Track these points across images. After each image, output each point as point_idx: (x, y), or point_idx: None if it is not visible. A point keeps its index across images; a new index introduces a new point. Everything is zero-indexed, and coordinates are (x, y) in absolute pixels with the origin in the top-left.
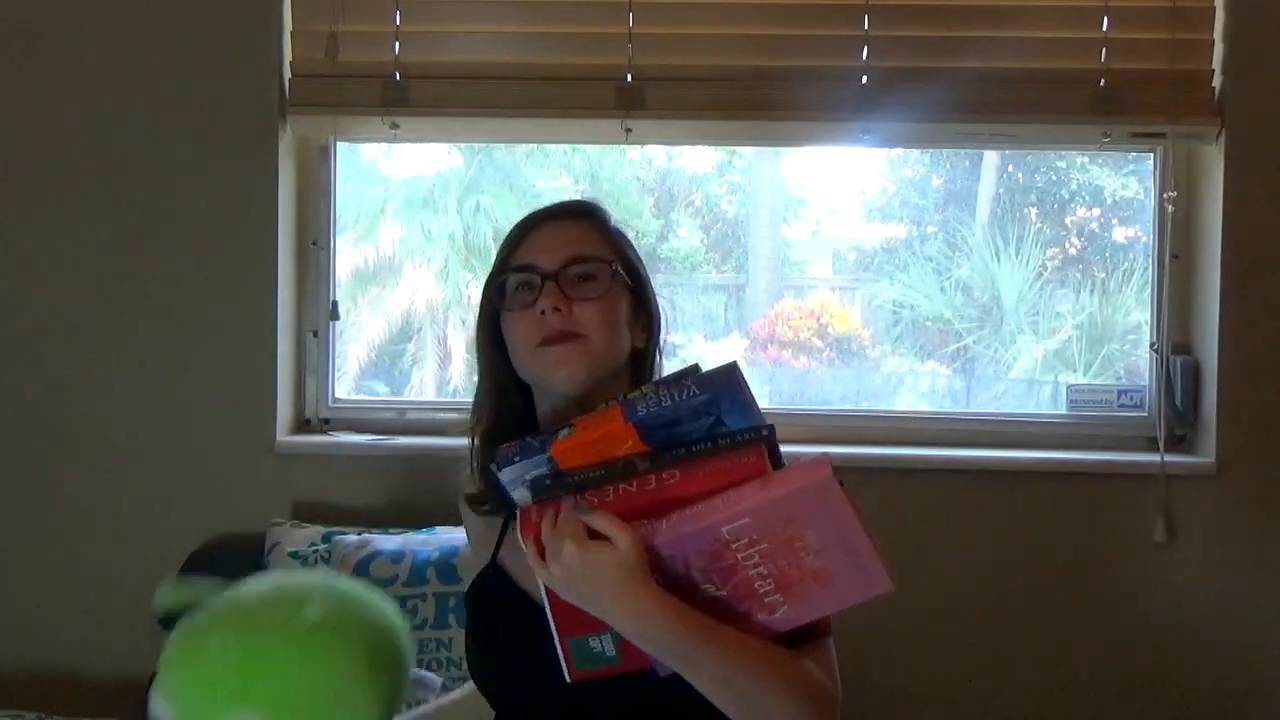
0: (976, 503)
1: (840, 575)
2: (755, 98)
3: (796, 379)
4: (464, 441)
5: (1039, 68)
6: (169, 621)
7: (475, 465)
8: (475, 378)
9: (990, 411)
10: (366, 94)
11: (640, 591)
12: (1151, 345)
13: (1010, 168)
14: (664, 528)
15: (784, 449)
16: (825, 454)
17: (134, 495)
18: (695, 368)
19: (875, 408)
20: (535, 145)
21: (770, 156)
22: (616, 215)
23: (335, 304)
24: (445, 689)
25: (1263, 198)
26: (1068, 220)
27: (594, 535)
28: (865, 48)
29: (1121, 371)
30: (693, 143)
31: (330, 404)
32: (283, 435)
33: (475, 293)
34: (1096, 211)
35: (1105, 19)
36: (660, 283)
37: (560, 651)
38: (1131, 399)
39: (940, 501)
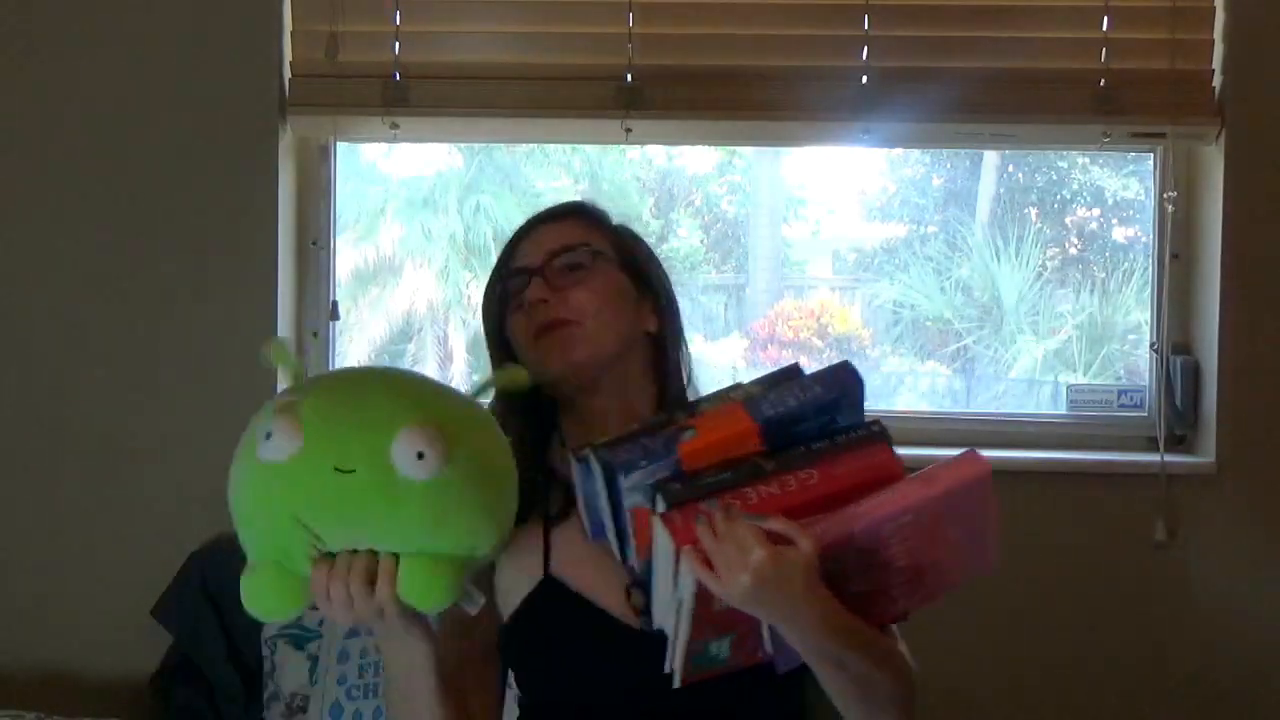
0: None
1: (957, 562)
2: (755, 98)
3: None
4: None
5: (1039, 68)
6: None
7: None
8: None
9: (990, 411)
10: (366, 94)
11: (820, 594)
12: (1151, 345)
13: (1010, 168)
14: (831, 528)
15: None
16: (972, 450)
17: (134, 495)
18: (797, 367)
19: (875, 408)
20: (535, 145)
21: (770, 156)
22: (616, 214)
23: (335, 304)
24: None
25: (1263, 198)
26: (1068, 220)
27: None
28: (865, 48)
29: (1121, 371)
30: (693, 143)
31: None
32: None
33: (475, 293)
34: (1096, 211)
35: (1105, 19)
36: None
37: (679, 658)
38: (1131, 399)
39: None
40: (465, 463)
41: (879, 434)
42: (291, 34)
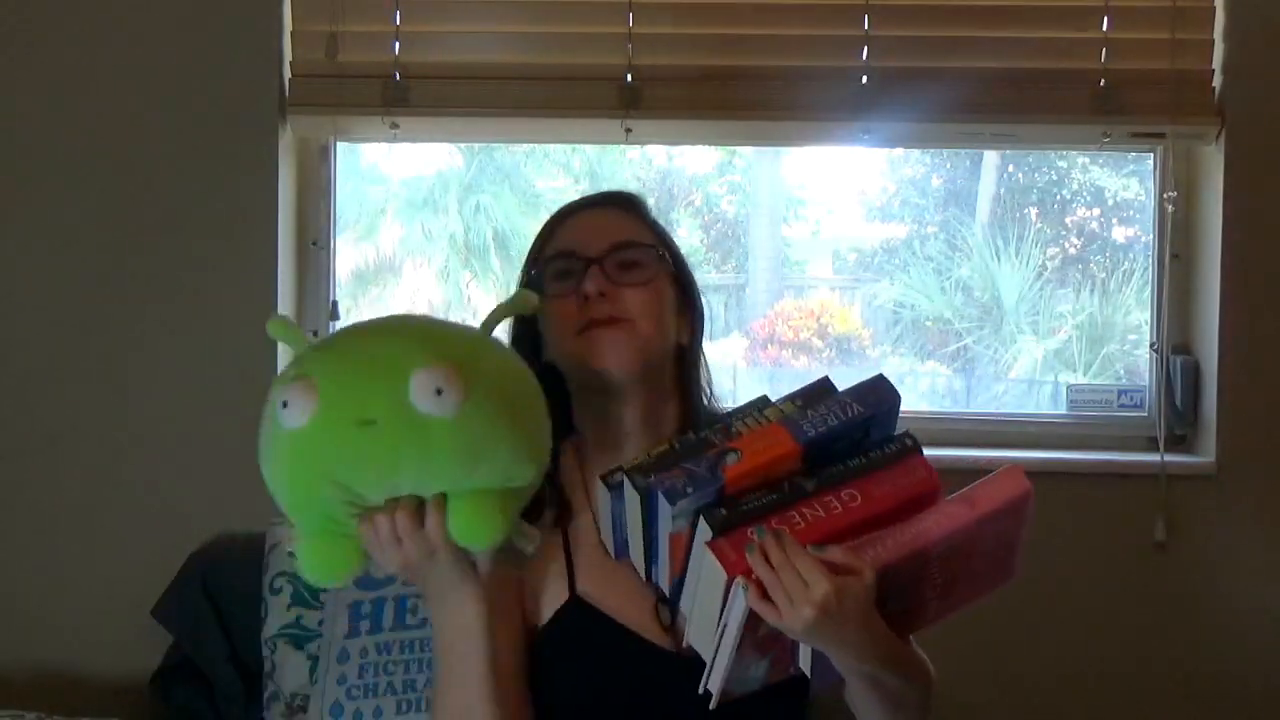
0: None
1: (987, 576)
2: (755, 98)
3: (796, 379)
4: None
5: (1039, 68)
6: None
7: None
8: None
9: (990, 411)
10: (366, 94)
11: (875, 621)
12: (1151, 345)
13: (1010, 168)
14: (882, 554)
15: None
16: (1014, 465)
17: (134, 495)
18: (828, 381)
19: None
20: (535, 145)
21: (770, 156)
22: None
23: (335, 304)
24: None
25: (1263, 198)
26: (1068, 220)
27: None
28: (865, 48)
29: (1121, 371)
30: (693, 143)
31: None
32: None
33: (476, 293)
34: (1096, 211)
35: (1105, 19)
36: None
37: (718, 680)
38: (1131, 399)
39: None
40: (486, 391)
41: (913, 447)
42: (291, 34)
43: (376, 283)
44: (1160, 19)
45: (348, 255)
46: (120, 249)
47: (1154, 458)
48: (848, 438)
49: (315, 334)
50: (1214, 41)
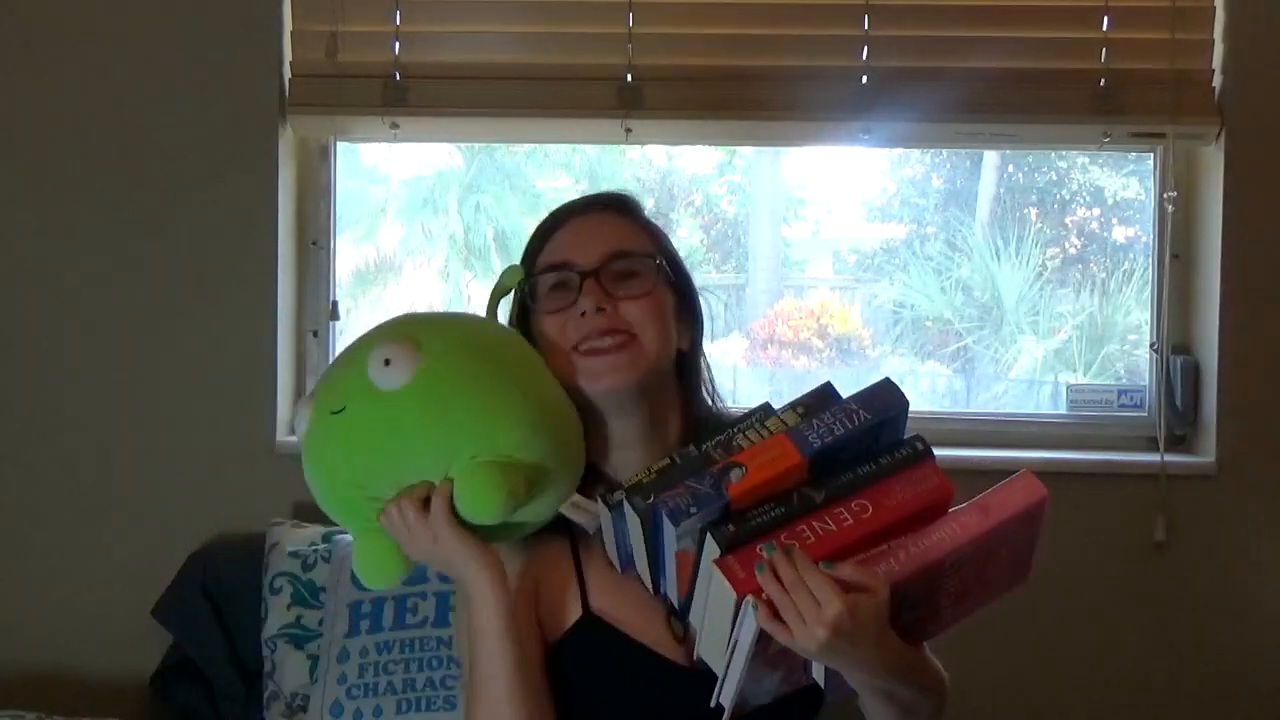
0: None
1: (1000, 581)
2: (755, 98)
3: (796, 379)
4: None
5: (1039, 68)
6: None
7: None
8: None
9: (990, 411)
10: (366, 94)
11: (889, 637)
12: (1151, 345)
13: (1010, 168)
14: (895, 567)
15: None
16: (1027, 471)
17: (134, 495)
18: (830, 387)
19: None
20: (535, 145)
21: (770, 156)
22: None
23: (335, 304)
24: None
25: (1263, 198)
26: (1068, 220)
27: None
28: (865, 48)
29: (1121, 371)
30: (693, 143)
31: None
32: (283, 435)
33: (476, 293)
34: (1097, 211)
35: (1105, 19)
36: None
37: (731, 695)
38: (1131, 399)
39: None
40: (443, 354)
41: (924, 452)
42: (291, 34)
43: (377, 283)
44: (1160, 19)
45: (348, 255)
46: (120, 248)
47: (1154, 458)
48: (855, 445)
49: (315, 334)
50: (1214, 41)
